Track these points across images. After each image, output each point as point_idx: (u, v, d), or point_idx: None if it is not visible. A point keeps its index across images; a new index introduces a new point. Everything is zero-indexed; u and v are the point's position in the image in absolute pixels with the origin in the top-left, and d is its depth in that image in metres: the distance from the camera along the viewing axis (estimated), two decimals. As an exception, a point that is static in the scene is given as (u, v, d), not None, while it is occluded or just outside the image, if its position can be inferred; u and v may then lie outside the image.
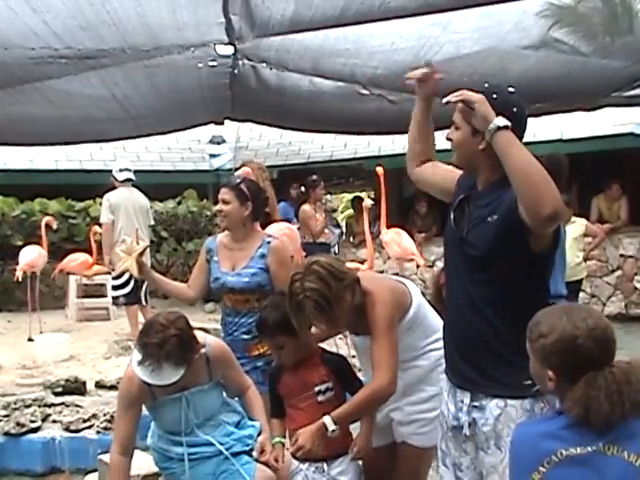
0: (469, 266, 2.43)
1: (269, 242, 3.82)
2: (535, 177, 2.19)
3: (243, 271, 3.77)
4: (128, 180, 7.47)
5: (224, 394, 3.36)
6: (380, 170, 7.17)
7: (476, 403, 2.42)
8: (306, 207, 8.06)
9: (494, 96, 2.35)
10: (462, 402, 2.47)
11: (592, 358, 1.84)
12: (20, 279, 7.73)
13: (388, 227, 7.42)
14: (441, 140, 2.63)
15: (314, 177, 8.22)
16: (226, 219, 3.86)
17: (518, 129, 2.35)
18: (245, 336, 3.77)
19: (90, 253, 8.29)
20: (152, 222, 7.86)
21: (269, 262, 3.76)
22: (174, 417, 3.16)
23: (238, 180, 3.93)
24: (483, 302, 2.40)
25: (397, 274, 3.64)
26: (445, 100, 2.37)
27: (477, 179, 2.48)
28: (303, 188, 8.43)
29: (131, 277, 6.92)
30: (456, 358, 2.51)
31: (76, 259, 8.41)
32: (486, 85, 2.46)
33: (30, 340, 7.37)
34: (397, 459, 3.11)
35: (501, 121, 2.26)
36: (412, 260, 8.21)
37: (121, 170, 7.48)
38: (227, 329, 3.85)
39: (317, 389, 3.03)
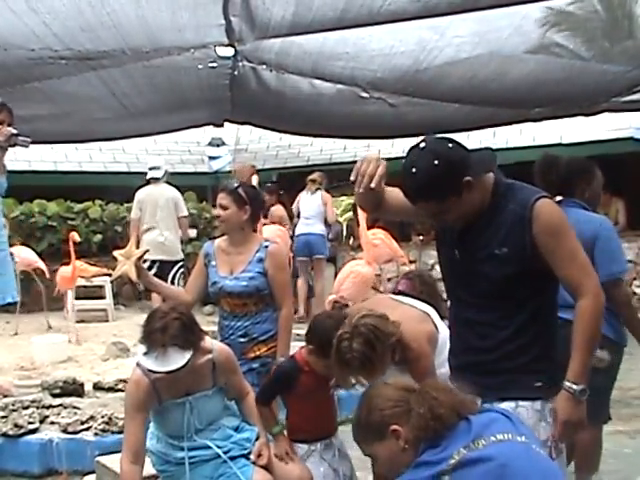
0: (482, 295, 2.45)
1: (267, 246, 3.83)
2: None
3: (241, 275, 3.78)
4: (154, 179, 8.00)
5: (225, 399, 3.35)
6: None
7: (487, 405, 2.43)
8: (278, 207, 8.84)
9: (435, 163, 2.32)
10: None
11: (404, 387, 2.24)
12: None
13: (368, 229, 7.44)
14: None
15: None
16: (224, 224, 3.87)
17: (475, 164, 2.37)
18: (242, 339, 3.79)
19: (68, 262, 7.84)
20: (184, 213, 8.00)
21: (267, 266, 3.78)
22: (177, 421, 3.15)
23: (236, 184, 3.93)
24: (498, 320, 2.42)
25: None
26: None
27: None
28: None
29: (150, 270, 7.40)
30: (465, 371, 2.52)
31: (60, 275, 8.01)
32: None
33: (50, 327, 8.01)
34: None
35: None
36: (404, 264, 8.27)
37: (149, 169, 8.12)
38: (224, 333, 3.86)
39: (332, 380, 3.21)
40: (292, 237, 9.05)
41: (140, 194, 8.00)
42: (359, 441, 2.28)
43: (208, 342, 3.22)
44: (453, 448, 2.02)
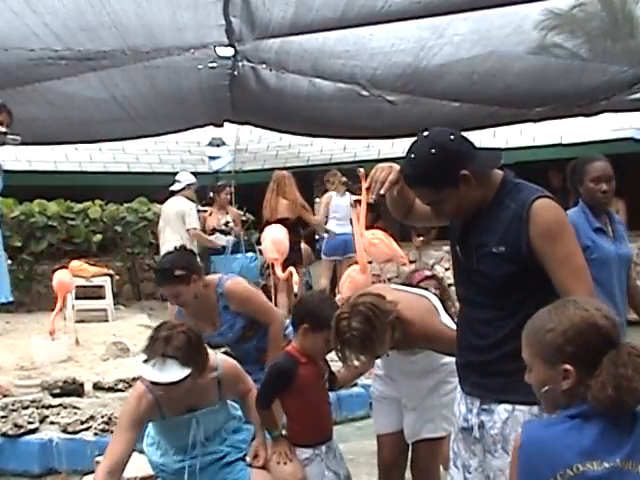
0: (483, 293, 2.44)
1: (221, 292, 3.78)
2: None
3: (222, 329, 3.85)
4: (172, 192, 8.31)
5: (230, 407, 3.34)
6: (362, 171, 7.14)
7: (485, 406, 2.43)
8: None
9: (432, 151, 2.34)
10: (472, 404, 2.48)
11: (609, 337, 1.75)
12: None
13: (367, 228, 7.43)
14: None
15: (220, 182, 8.75)
16: (187, 307, 3.77)
17: (477, 159, 2.37)
18: (256, 352, 3.92)
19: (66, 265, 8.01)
20: (192, 225, 8.19)
21: (233, 308, 3.80)
22: (182, 436, 3.10)
23: (167, 266, 3.69)
24: (497, 320, 2.42)
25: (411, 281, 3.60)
26: None
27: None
28: (212, 194, 9.14)
29: None
30: (467, 369, 2.52)
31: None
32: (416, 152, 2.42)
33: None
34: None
35: None
36: (404, 264, 8.26)
37: (173, 182, 8.39)
38: (235, 352, 3.93)
39: (325, 376, 3.23)
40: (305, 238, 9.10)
41: (163, 206, 8.49)
42: (525, 346, 1.90)
43: (212, 358, 3.11)
44: (599, 448, 1.70)
